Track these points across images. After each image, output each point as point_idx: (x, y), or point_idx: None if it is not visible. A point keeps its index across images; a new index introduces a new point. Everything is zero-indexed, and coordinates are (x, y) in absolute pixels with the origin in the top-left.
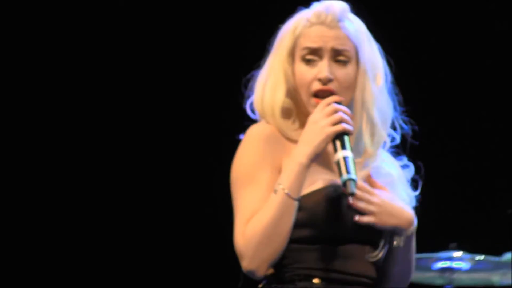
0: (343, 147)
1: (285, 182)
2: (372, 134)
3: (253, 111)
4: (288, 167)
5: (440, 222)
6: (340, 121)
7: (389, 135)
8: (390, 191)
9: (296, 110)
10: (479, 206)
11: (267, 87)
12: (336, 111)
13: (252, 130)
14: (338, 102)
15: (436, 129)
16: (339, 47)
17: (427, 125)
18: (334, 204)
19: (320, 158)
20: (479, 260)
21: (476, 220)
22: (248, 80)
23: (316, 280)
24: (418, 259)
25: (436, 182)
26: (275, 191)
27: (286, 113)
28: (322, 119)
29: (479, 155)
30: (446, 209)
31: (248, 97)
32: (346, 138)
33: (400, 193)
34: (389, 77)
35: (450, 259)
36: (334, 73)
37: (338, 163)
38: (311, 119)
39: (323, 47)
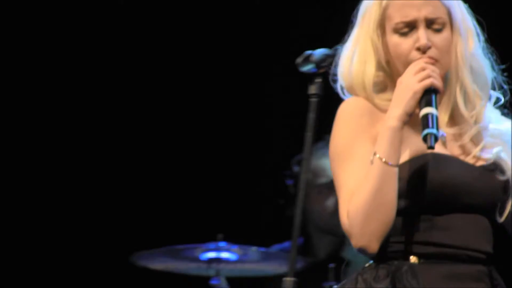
0: (429, 104)
1: (380, 149)
2: (467, 100)
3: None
4: (381, 134)
5: (207, 212)
6: (428, 77)
7: (491, 96)
8: (503, 148)
9: (390, 83)
10: (249, 197)
11: (356, 61)
12: (423, 69)
13: (345, 105)
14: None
15: None
16: (432, 15)
17: None
18: (433, 172)
19: (418, 127)
20: (247, 251)
21: (245, 210)
22: (333, 56)
23: (413, 259)
24: (185, 250)
25: (204, 173)
26: (372, 162)
27: (378, 87)
28: (409, 78)
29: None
30: (214, 199)
31: (334, 74)
32: (433, 97)
33: (502, 144)
34: (482, 38)
35: (218, 249)
36: (431, 40)
37: (422, 119)
38: (399, 80)
39: (417, 17)
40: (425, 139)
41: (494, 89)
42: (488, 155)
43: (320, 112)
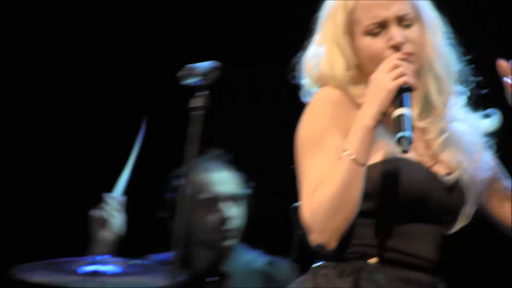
0: (402, 104)
1: (351, 146)
2: (439, 90)
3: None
4: (353, 131)
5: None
6: (401, 75)
7: (458, 90)
8: (454, 146)
9: (362, 80)
10: (131, 210)
11: (323, 63)
12: (397, 66)
13: (320, 93)
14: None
15: None
16: (401, 12)
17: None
18: (402, 178)
19: (392, 127)
20: (129, 264)
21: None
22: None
23: (372, 260)
24: (65, 263)
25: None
26: (341, 157)
27: (351, 81)
28: (383, 76)
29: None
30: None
31: (298, 82)
32: (407, 95)
33: (466, 147)
34: (448, 30)
35: (99, 263)
36: (404, 35)
37: (395, 121)
38: (372, 78)
39: (387, 17)
40: (399, 142)
41: (461, 81)
42: (451, 164)
43: (203, 125)
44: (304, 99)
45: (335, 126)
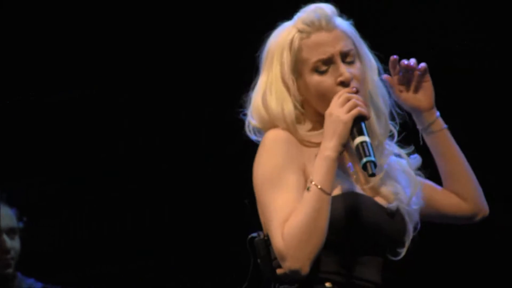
0: (360, 133)
1: (317, 178)
2: (380, 124)
3: (253, 131)
4: (317, 163)
5: None
6: (354, 106)
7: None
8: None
9: (306, 118)
10: None
11: (272, 102)
12: (349, 99)
13: (270, 134)
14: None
15: None
16: (345, 48)
17: None
18: (352, 213)
19: (341, 165)
20: None
21: None
22: (241, 106)
23: (328, 284)
24: None
25: None
26: (308, 189)
27: (296, 121)
28: (337, 110)
29: None
30: None
31: (244, 121)
32: (363, 124)
33: (400, 180)
34: (380, 69)
35: None
36: (350, 72)
37: (357, 149)
38: (327, 113)
39: (333, 53)
40: (365, 167)
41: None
42: (390, 195)
43: None
44: (251, 137)
45: (291, 163)
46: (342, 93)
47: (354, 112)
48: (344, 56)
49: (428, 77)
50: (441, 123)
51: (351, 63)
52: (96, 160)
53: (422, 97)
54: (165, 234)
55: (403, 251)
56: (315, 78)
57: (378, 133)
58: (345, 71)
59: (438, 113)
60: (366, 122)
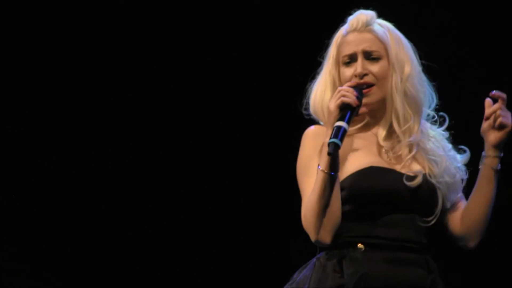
0: (343, 119)
1: (322, 163)
2: (398, 121)
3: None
4: (322, 150)
5: None
6: (340, 96)
7: (431, 116)
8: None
9: None
10: None
11: (317, 93)
12: (339, 91)
13: (305, 132)
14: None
15: None
16: (368, 49)
17: None
18: (375, 180)
19: (366, 142)
20: None
21: None
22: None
23: (360, 245)
24: None
25: None
26: (317, 172)
27: None
28: (330, 101)
29: None
30: None
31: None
32: (348, 112)
33: (433, 159)
34: (419, 69)
35: None
36: (368, 68)
37: (333, 129)
38: (327, 104)
39: (356, 51)
40: (328, 145)
41: (434, 110)
42: (418, 166)
43: None
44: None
45: (317, 154)
46: (340, 88)
47: (338, 102)
48: (367, 54)
49: (508, 129)
50: (495, 162)
51: (374, 60)
52: (96, 160)
53: (496, 134)
54: (169, 235)
55: (432, 216)
56: (342, 69)
57: (395, 127)
58: (360, 66)
59: (501, 154)
60: (354, 108)
